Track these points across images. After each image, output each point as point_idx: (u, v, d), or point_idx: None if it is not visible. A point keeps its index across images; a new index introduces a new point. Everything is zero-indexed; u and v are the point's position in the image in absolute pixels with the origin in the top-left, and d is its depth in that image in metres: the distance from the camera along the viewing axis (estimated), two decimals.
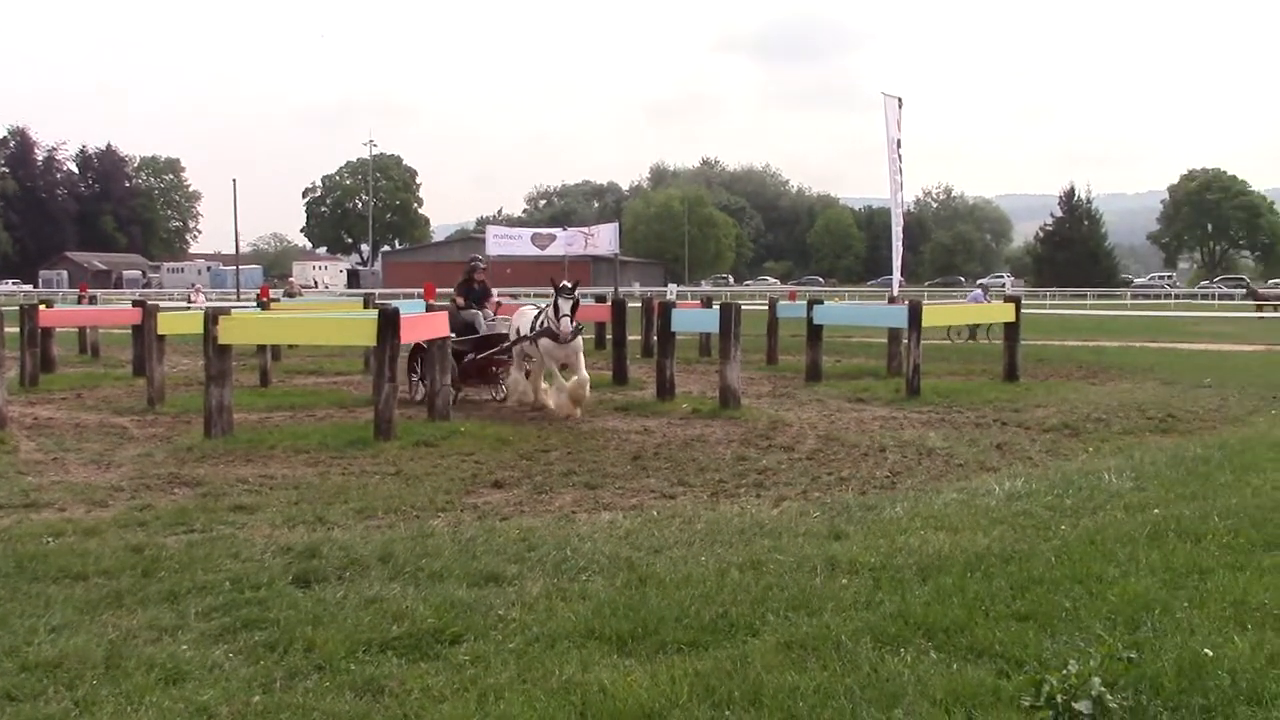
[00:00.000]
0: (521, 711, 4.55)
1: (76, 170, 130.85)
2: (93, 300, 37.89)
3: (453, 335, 14.83)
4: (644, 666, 5.06)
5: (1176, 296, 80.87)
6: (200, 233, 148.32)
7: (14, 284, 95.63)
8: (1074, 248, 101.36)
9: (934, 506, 8.46)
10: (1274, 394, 16.51)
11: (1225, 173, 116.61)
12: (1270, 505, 8.26)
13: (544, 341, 14.52)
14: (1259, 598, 5.90)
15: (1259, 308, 51.17)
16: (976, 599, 5.92)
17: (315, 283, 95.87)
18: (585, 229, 26.17)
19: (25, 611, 5.79)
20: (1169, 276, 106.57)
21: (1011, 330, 19.27)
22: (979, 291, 33.16)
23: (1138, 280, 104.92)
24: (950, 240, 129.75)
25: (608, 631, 5.47)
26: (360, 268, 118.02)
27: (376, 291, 62.21)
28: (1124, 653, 4.85)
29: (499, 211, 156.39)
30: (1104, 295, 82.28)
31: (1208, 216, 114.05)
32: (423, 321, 14.39)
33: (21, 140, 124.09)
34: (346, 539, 7.42)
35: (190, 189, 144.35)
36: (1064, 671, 4.63)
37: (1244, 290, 41.16)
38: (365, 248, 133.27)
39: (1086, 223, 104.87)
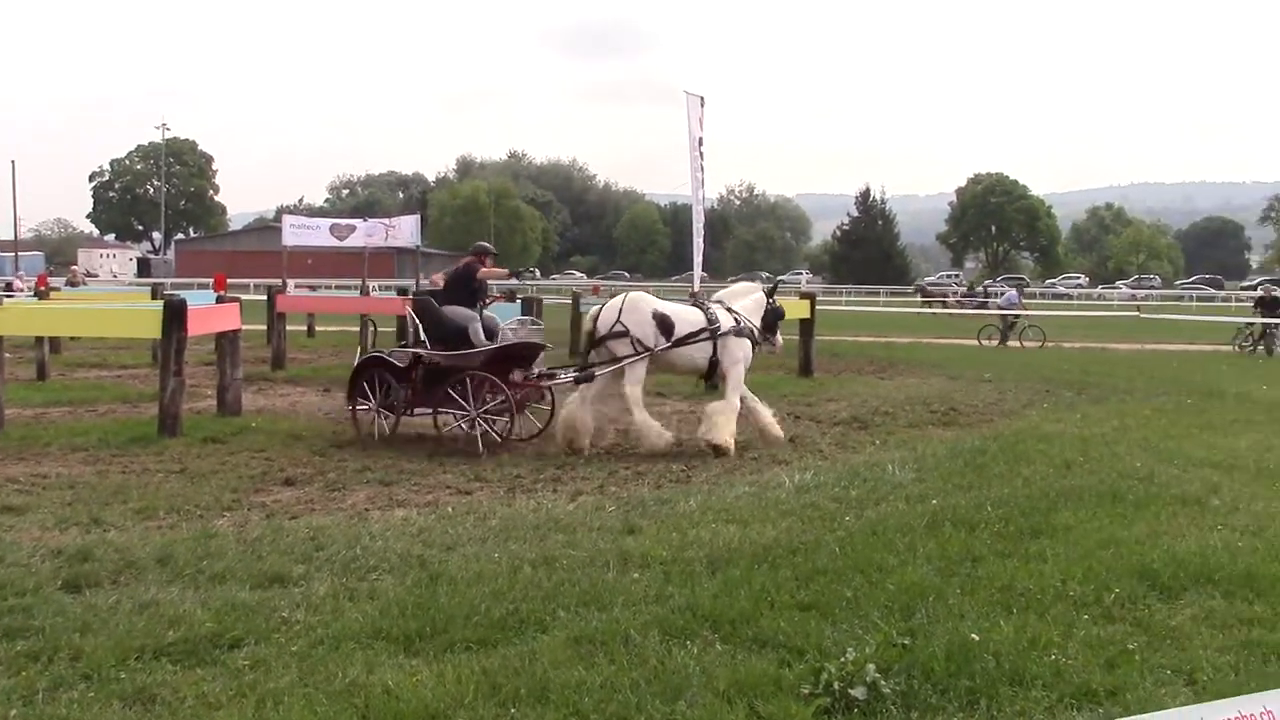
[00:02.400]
0: (301, 716, 4.44)
1: None
2: None
3: (425, 340, 11.92)
4: (430, 666, 5.00)
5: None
6: None
7: None
8: (869, 247, 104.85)
9: (726, 500, 8.63)
10: (1047, 388, 17.44)
11: (1008, 177, 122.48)
12: (1038, 494, 8.72)
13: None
14: (1025, 583, 6.23)
15: (927, 304, 53.86)
16: (763, 590, 6.06)
17: (106, 272, 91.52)
18: (386, 220, 25.68)
19: None
20: (956, 275, 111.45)
21: (807, 326, 19.81)
22: (1014, 293, 33.72)
23: (927, 279, 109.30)
24: (752, 237, 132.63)
25: (395, 631, 5.39)
26: (152, 256, 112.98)
27: (168, 281, 59.69)
28: (898, 639, 5.06)
29: (300, 200, 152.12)
30: (896, 293, 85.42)
31: (991, 218, 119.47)
32: (213, 313, 13.87)
33: None
34: (123, 541, 7.10)
35: None
36: (842, 659, 4.81)
37: (915, 287, 43.41)
38: (157, 236, 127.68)
39: (881, 223, 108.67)
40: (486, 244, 13.51)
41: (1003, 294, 36.28)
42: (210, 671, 4.92)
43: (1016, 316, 31.79)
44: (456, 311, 12.03)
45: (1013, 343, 30.29)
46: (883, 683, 4.66)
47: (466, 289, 12.42)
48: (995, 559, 6.77)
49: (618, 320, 11.68)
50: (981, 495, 8.65)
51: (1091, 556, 6.79)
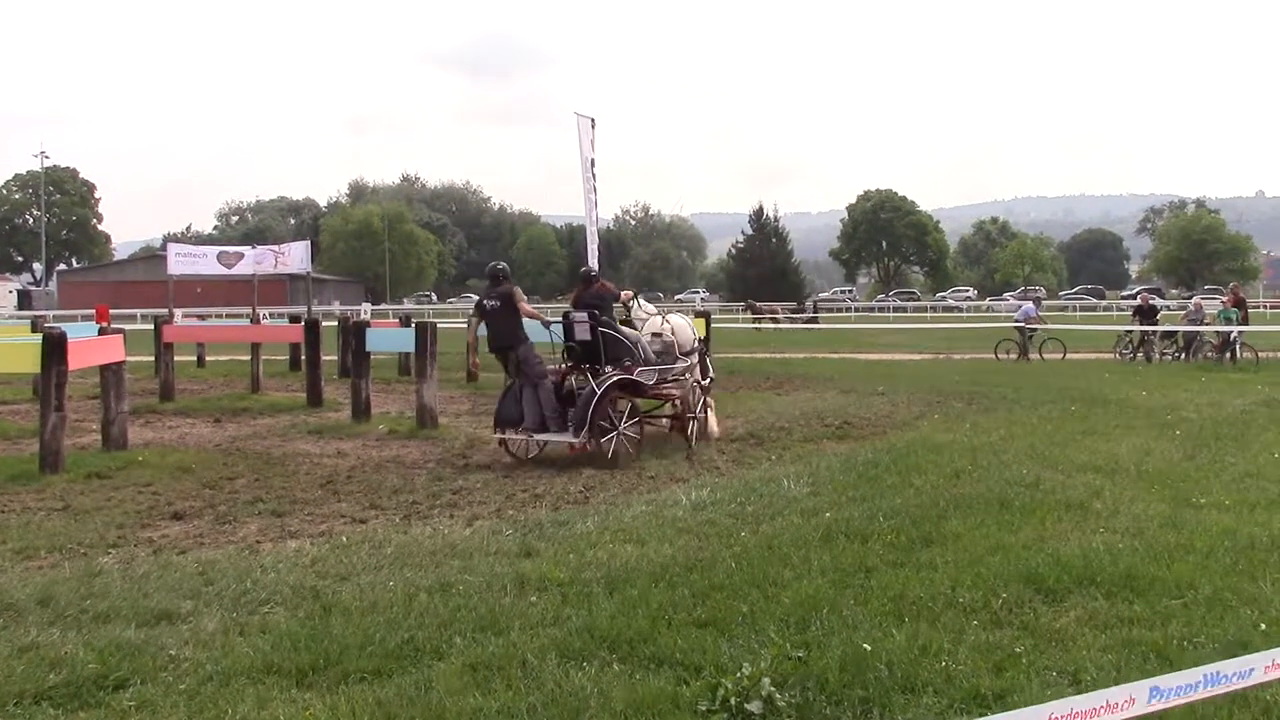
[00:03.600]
0: None
1: None
2: None
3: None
4: (323, 699, 4.91)
5: (856, 309, 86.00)
6: None
7: None
8: (763, 264, 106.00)
9: (624, 519, 8.64)
10: (938, 399, 17.79)
11: (897, 194, 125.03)
12: (929, 504, 8.88)
13: None
14: (916, 592, 6.34)
15: (756, 321, 54.55)
16: (660, 609, 6.08)
17: None
18: (275, 247, 25.38)
19: None
20: (849, 291, 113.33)
21: (702, 344, 19.91)
22: (1030, 306, 32.86)
23: (821, 294, 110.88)
24: (649, 256, 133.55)
25: (288, 665, 5.29)
26: (33, 288, 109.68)
27: (49, 314, 58.00)
28: (793, 652, 5.12)
29: (188, 228, 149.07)
30: (793, 310, 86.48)
31: (882, 234, 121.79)
32: (96, 346, 13.49)
33: None
34: (1, 582, 6.86)
35: None
36: (738, 674, 4.84)
37: (743, 304, 43.43)
38: (38, 267, 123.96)
39: (775, 240, 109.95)
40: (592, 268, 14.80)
41: (1018, 308, 35.15)
42: (94, 714, 4.77)
43: (1033, 330, 30.83)
44: (627, 332, 12.86)
45: (1033, 355, 29.79)
46: (778, 696, 4.71)
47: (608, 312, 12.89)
48: (888, 569, 6.89)
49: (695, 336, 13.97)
50: (874, 506, 8.78)
51: (980, 563, 6.94)
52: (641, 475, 11.08)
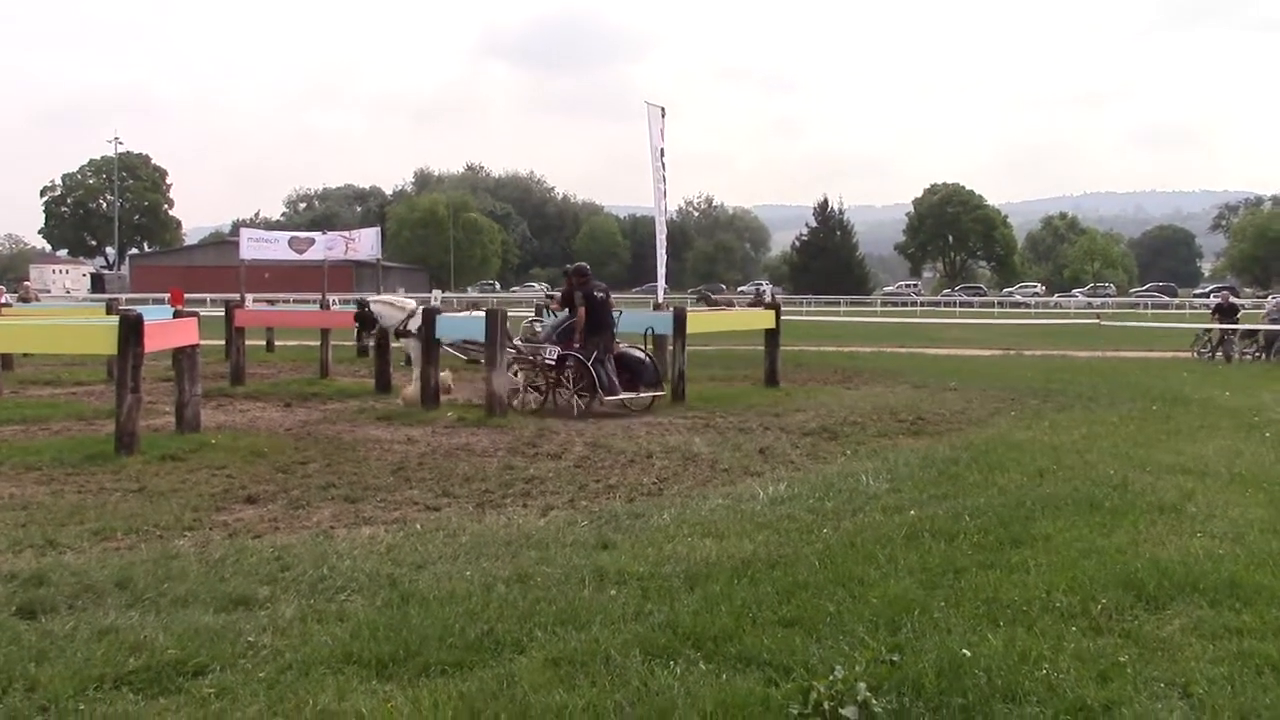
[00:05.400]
0: None
1: None
2: None
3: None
4: (405, 691, 4.80)
5: (922, 304, 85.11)
6: None
7: None
8: (828, 257, 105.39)
9: (701, 513, 8.48)
10: (1012, 395, 17.44)
11: (964, 188, 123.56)
12: (1014, 503, 8.64)
13: None
14: (1009, 595, 6.12)
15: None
16: (744, 606, 5.91)
17: (59, 288, 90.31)
18: (345, 233, 25.48)
19: None
20: (915, 285, 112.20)
21: (772, 336, 19.72)
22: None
23: (886, 288, 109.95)
24: (712, 249, 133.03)
25: (367, 655, 5.18)
26: (106, 272, 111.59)
27: (123, 297, 58.90)
28: (887, 655, 4.91)
29: (257, 214, 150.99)
30: (856, 302, 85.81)
31: (948, 228, 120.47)
32: (170, 329, 13.57)
33: None
34: (80, 564, 6.84)
35: None
36: (830, 677, 4.65)
37: (699, 297, 42.19)
38: (111, 251, 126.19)
39: (839, 233, 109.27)
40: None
41: (1275, 300, 31.40)
42: (174, 701, 4.69)
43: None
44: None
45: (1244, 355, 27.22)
46: (874, 702, 4.52)
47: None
48: (978, 570, 6.66)
49: None
50: (958, 505, 8.56)
51: (1074, 566, 6.70)
52: (715, 468, 10.92)
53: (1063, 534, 7.59)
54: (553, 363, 15.69)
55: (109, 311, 19.26)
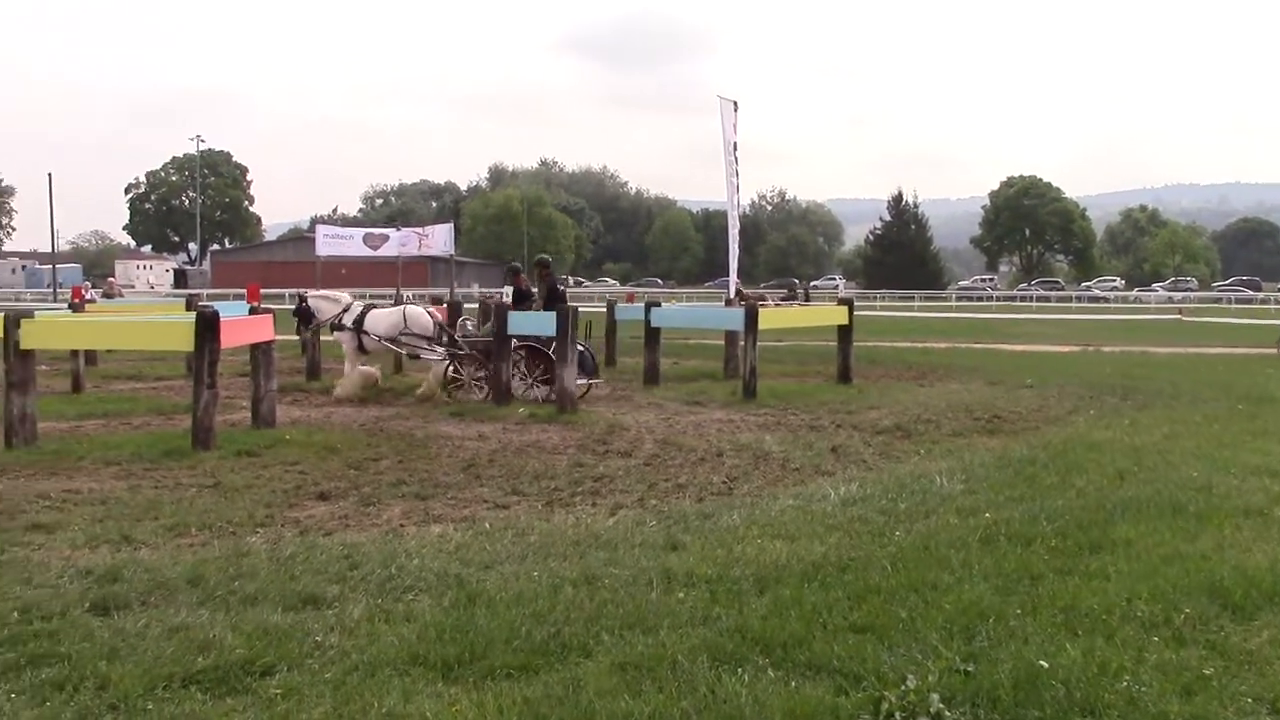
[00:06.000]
0: None
1: None
2: None
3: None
4: (470, 695, 4.78)
5: (997, 298, 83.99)
6: (15, 229, 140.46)
7: None
8: (902, 251, 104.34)
9: (771, 513, 8.38)
10: (1090, 393, 17.08)
11: (1041, 180, 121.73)
12: (1093, 506, 8.43)
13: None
14: (1088, 602, 5.94)
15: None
16: (814, 611, 5.81)
17: (143, 284, 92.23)
18: (419, 229, 25.66)
19: None
20: (990, 279, 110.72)
21: (845, 332, 19.52)
22: None
23: (961, 283, 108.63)
24: (784, 243, 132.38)
25: (433, 657, 5.17)
26: (188, 267, 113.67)
27: (203, 292, 59.98)
28: (961, 665, 4.83)
29: (334, 210, 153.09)
30: (931, 297, 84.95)
31: (1025, 221, 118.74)
32: (246, 325, 13.75)
33: None
34: (154, 560, 6.92)
35: (3, 183, 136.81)
36: (902, 687, 4.57)
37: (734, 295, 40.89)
38: (193, 246, 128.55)
39: (914, 227, 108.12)
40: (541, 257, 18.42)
41: None
42: (241, 701, 4.71)
43: None
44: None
45: None
46: (947, 714, 4.42)
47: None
48: (1055, 577, 6.49)
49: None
50: (1035, 507, 8.36)
51: (1157, 573, 6.50)
52: (786, 467, 10.80)
53: (1144, 539, 7.38)
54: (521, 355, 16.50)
55: (188, 308, 19.57)
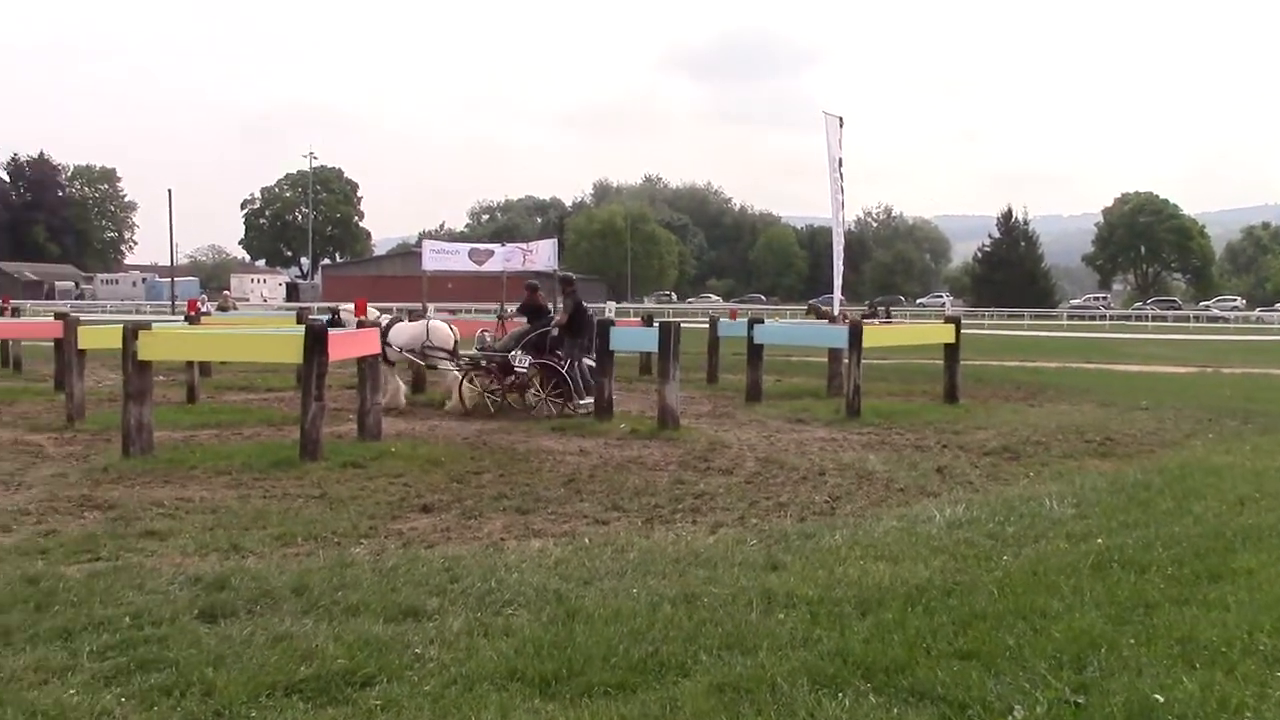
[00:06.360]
0: None
1: (7, 178, 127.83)
2: (15, 312, 36.87)
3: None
4: (567, 712, 4.75)
5: (1111, 318, 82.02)
6: (136, 244, 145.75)
7: None
8: (1011, 268, 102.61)
9: (874, 534, 8.23)
10: (1209, 416, 16.55)
11: (1157, 196, 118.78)
12: (1211, 534, 8.13)
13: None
14: (1206, 634, 5.71)
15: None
16: (918, 636, 5.68)
17: (257, 297, 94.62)
18: (524, 245, 25.88)
19: None
20: (1104, 298, 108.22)
21: (952, 351, 19.20)
22: None
23: (1073, 301, 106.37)
24: (890, 259, 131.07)
25: (531, 672, 5.15)
26: (300, 281, 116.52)
27: (314, 306, 61.29)
28: (1071, 696, 4.68)
29: (441, 226, 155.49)
30: (1041, 316, 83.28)
31: (1141, 239, 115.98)
32: (354, 338, 13.99)
33: None
34: (260, 568, 7.04)
35: (126, 199, 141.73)
36: (1009, 717, 4.42)
37: (809, 309, 39.12)
38: (305, 261, 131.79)
39: (1024, 244, 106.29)
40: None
41: None
42: (341, 711, 4.75)
43: None
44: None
45: None
46: None
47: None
48: (1171, 606, 6.25)
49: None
50: (1150, 534, 8.09)
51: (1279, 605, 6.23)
52: (890, 487, 10.63)
53: (1267, 569, 7.09)
54: (522, 369, 16.82)
55: (298, 321, 20.00)
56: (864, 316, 36.86)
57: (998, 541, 7.97)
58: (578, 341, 17.02)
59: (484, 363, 17.32)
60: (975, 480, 11.08)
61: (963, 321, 21.29)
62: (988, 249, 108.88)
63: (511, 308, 20.80)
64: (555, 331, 17.09)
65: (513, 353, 16.99)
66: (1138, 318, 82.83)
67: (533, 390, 16.89)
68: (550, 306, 18.48)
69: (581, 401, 16.53)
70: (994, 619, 5.99)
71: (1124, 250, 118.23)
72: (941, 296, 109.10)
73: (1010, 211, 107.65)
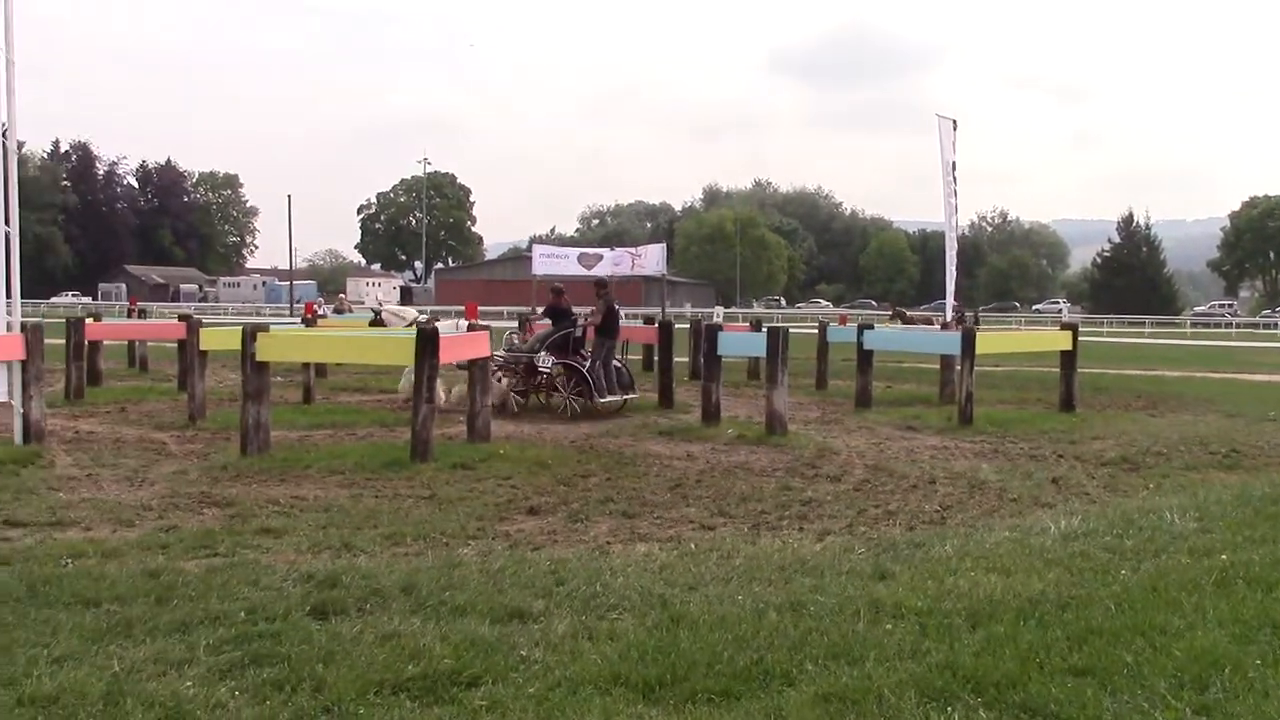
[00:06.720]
0: None
1: (136, 185, 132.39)
2: (142, 314, 38.13)
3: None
4: (670, 718, 4.73)
5: (1237, 326, 79.40)
6: (257, 248, 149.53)
7: (74, 295, 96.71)
8: (1132, 274, 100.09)
9: (985, 545, 8.05)
10: None
11: None
12: None
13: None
14: None
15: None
16: (1030, 650, 5.53)
17: (372, 300, 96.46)
18: (632, 249, 26.00)
19: (31, 640, 5.55)
20: (1230, 305, 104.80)
21: (1068, 358, 18.75)
22: None
23: (1197, 308, 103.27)
24: (1005, 265, 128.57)
25: (635, 677, 5.14)
26: (414, 285, 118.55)
27: (428, 309, 62.28)
28: (1192, 717, 4.51)
29: (552, 230, 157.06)
30: (1163, 323, 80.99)
31: (1270, 244, 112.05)
32: (464, 341, 14.17)
33: (84, 155, 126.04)
34: (371, 567, 7.16)
35: (248, 204, 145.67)
36: None
37: (893, 314, 37.44)
38: (419, 265, 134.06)
39: (1145, 249, 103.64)
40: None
41: None
42: (447, 711, 4.78)
43: None
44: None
45: None
46: None
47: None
48: None
49: None
50: (1278, 550, 7.78)
51: None
52: (1002, 497, 10.41)
53: None
54: (546, 369, 17.33)
55: (370, 325, 20.38)
56: (943, 325, 36.14)
57: (1116, 555, 7.73)
58: (606, 342, 17.72)
59: (514, 364, 17.82)
60: (1092, 491, 10.80)
61: (1080, 328, 20.78)
62: (1107, 254, 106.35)
63: (538, 310, 21.53)
64: (579, 332, 17.72)
65: (538, 354, 17.50)
66: (1266, 325, 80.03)
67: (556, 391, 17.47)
68: (572, 311, 18.76)
69: (604, 400, 17.12)
70: (1111, 635, 5.81)
71: (1252, 256, 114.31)
72: (1058, 303, 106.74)
73: (1131, 215, 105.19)
